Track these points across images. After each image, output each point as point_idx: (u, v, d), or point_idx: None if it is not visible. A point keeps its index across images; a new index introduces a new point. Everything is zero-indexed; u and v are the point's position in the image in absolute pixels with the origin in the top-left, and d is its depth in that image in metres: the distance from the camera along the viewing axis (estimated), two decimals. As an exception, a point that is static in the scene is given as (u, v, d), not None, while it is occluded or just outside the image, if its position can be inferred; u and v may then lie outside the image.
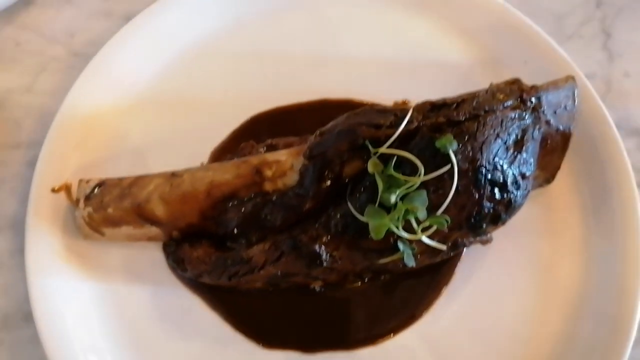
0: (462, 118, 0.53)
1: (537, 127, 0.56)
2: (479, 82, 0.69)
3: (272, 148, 0.63)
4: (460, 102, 0.54)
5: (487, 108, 0.53)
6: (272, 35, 0.71)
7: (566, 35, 0.76)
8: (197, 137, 0.66)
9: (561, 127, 0.61)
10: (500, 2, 0.71)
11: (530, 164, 0.56)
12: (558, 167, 0.64)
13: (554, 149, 0.62)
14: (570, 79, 0.62)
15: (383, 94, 0.69)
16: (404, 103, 0.69)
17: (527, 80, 0.67)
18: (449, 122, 0.53)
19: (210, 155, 0.65)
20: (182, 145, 0.66)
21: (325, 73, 0.70)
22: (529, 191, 0.57)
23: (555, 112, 0.60)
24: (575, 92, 0.61)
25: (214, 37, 0.70)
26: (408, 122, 0.53)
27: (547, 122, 0.60)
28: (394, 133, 0.52)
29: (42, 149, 0.62)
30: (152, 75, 0.68)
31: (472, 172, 0.52)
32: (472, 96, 0.55)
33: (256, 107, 0.68)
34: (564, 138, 0.62)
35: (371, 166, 0.52)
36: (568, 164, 0.64)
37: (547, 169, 0.63)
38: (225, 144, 0.66)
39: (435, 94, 0.68)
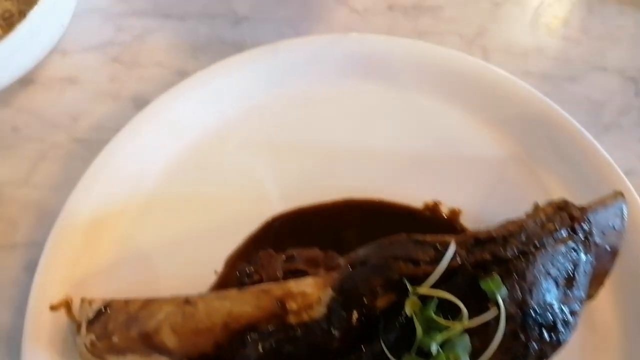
0: (509, 255, 0.48)
1: (589, 258, 0.51)
2: (513, 179, 0.65)
3: (292, 260, 0.58)
4: (507, 237, 0.49)
5: (537, 243, 0.49)
6: (291, 128, 0.66)
7: (604, 125, 0.71)
8: (210, 241, 0.61)
9: (608, 247, 0.57)
10: (534, 92, 0.67)
11: (581, 300, 0.51)
12: (602, 284, 0.60)
13: (599, 269, 0.58)
14: (619, 196, 0.57)
15: (412, 193, 0.64)
16: (436, 205, 0.64)
17: (566, 179, 0.64)
18: (495, 260, 0.48)
19: (224, 262, 0.60)
20: (194, 250, 0.60)
21: (350, 169, 0.65)
22: (577, 324, 0.53)
23: (603, 233, 0.56)
24: (624, 210, 0.57)
25: (229, 128, 0.65)
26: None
27: (596, 244, 0.55)
28: (433, 270, 0.48)
29: (41, 258, 0.56)
30: (162, 169, 0.63)
31: (520, 317, 0.47)
32: (519, 227, 0.50)
33: (274, 207, 0.62)
34: (611, 257, 0.58)
35: (409, 307, 0.47)
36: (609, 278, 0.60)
37: (591, 288, 0.59)
38: (241, 250, 0.60)
39: (466, 193, 0.64)
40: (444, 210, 0.63)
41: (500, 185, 0.65)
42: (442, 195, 0.64)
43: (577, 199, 0.63)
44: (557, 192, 0.65)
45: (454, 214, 0.63)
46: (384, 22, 0.73)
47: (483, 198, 0.64)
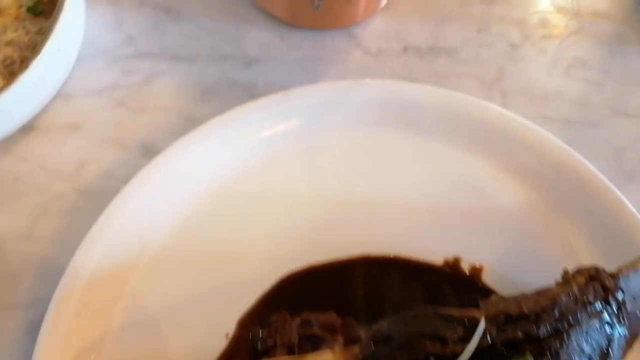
0: (542, 334, 0.45)
1: (623, 331, 0.49)
2: (535, 231, 0.62)
3: (308, 325, 0.55)
4: (539, 313, 0.46)
5: (571, 320, 0.46)
6: (304, 179, 0.63)
7: (627, 173, 0.69)
8: (221, 301, 0.58)
9: (639, 313, 0.55)
10: (556, 141, 0.64)
11: (615, 375, 0.49)
12: (631, 348, 0.57)
13: (629, 336, 0.55)
14: (650, 259, 0.55)
15: (431, 248, 0.61)
16: (456, 261, 0.61)
17: (589, 231, 0.61)
18: (528, 339, 0.45)
19: (236, 324, 0.57)
20: (204, 311, 0.57)
21: (365, 222, 0.62)
22: (608, 399, 0.50)
23: (634, 298, 0.53)
24: (656, 274, 0.55)
25: (240, 180, 0.62)
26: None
27: (627, 312, 0.53)
28: (462, 349, 0.45)
29: (44, 321, 0.53)
30: (171, 225, 0.60)
31: (554, 399, 0.45)
32: (552, 302, 0.47)
33: (287, 264, 0.60)
34: (641, 321, 0.56)
35: (437, 389, 0.45)
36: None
37: (620, 353, 0.57)
38: (253, 312, 0.57)
39: (488, 247, 0.61)
40: (465, 267, 0.61)
41: (523, 238, 0.63)
42: (462, 250, 0.61)
43: (602, 251, 0.62)
44: (582, 245, 0.62)
45: (476, 271, 0.61)
46: (399, 64, 0.71)
47: (505, 252, 0.62)
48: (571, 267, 0.57)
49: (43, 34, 0.60)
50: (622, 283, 0.52)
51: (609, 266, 0.56)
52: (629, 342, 0.55)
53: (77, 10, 0.61)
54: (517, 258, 0.61)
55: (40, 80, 0.59)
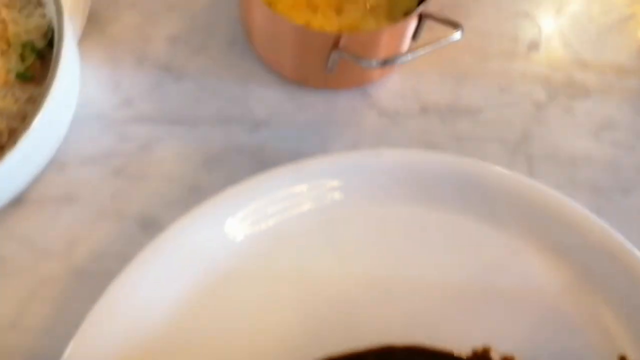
0: None
1: None
2: (570, 319, 0.57)
3: None
4: None
5: None
6: (319, 259, 0.58)
7: (663, 246, 0.65)
8: (227, 400, 0.54)
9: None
10: (589, 215, 0.59)
11: None
12: None
13: None
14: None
15: (458, 336, 0.56)
16: (486, 351, 0.56)
17: (626, 312, 0.57)
18: None
19: None
20: (208, 412, 0.53)
21: (387, 307, 0.57)
22: None
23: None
24: None
25: (250, 260, 0.56)
26: None
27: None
28: None
29: None
30: (174, 313, 0.54)
31: None
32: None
33: (301, 355, 0.54)
34: None
35: None
36: None
37: None
38: (263, 413, 0.53)
39: (520, 334, 0.56)
40: (495, 357, 0.56)
41: (557, 324, 0.57)
42: (492, 338, 0.56)
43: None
44: (620, 331, 0.56)
45: (507, 363, 0.56)
46: (417, 127, 0.66)
47: (539, 341, 0.56)
48: (611, 358, 0.53)
49: (33, 103, 0.55)
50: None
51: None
52: None
53: (72, 76, 0.56)
54: (551, 347, 0.56)
55: (31, 153, 0.54)
